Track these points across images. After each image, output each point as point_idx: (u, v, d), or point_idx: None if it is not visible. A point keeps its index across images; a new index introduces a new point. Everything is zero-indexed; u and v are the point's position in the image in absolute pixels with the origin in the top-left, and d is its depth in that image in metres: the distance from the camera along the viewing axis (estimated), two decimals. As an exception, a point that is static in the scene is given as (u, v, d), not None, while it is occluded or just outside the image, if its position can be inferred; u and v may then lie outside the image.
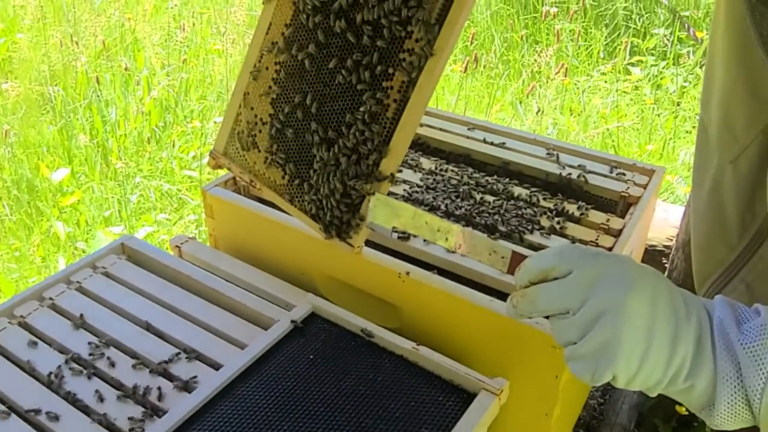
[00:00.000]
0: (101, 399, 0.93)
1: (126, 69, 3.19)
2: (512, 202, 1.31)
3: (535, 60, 3.47)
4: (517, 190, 1.35)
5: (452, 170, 1.41)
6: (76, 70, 3.30)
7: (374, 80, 1.01)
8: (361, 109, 1.03)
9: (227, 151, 1.24)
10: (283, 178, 1.15)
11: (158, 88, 3.20)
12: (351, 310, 1.11)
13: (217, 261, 1.24)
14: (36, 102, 3.36)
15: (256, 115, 1.18)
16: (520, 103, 3.17)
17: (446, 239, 0.79)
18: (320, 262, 1.21)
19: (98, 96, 3.13)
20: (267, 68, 1.15)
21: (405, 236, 1.19)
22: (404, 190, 1.34)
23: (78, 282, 1.17)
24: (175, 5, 3.71)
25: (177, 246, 1.28)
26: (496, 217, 1.24)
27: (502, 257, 0.76)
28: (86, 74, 3.26)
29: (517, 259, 0.75)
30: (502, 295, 1.10)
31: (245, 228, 1.29)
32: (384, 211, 0.92)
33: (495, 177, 1.40)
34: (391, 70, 0.99)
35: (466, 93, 3.23)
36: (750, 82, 0.92)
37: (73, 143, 2.98)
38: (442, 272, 1.15)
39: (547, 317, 0.73)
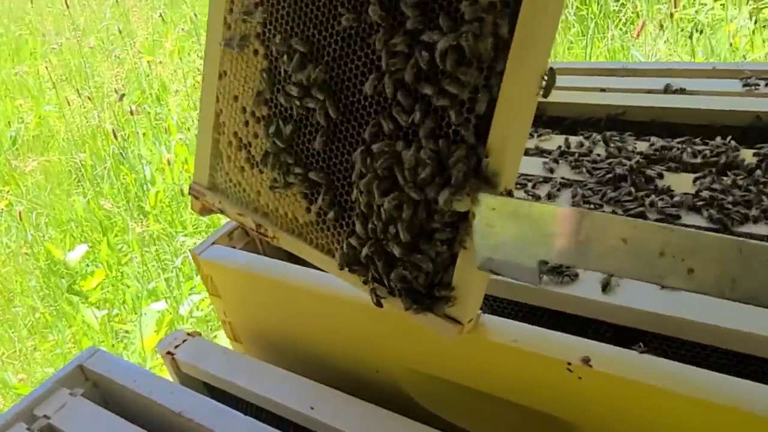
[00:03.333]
0: None
1: (150, 115, 2.80)
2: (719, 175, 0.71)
3: None
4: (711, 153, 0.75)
5: (595, 143, 0.83)
6: (102, 131, 2.95)
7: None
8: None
9: (215, 182, 0.72)
10: (308, 210, 0.62)
11: (188, 132, 2.79)
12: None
13: (231, 373, 0.72)
14: (67, 174, 3.02)
15: (244, 109, 0.66)
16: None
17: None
18: (405, 350, 0.66)
19: (122, 153, 2.74)
20: (246, 22, 0.63)
21: (565, 273, 0.62)
22: (525, 192, 0.77)
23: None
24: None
25: (169, 353, 0.77)
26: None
27: None
28: (111, 132, 2.90)
29: None
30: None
31: (271, 307, 0.77)
32: (510, 228, 0.39)
33: (668, 140, 0.81)
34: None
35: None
36: None
37: (103, 213, 2.60)
38: (653, 340, 0.57)
39: None
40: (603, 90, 0.95)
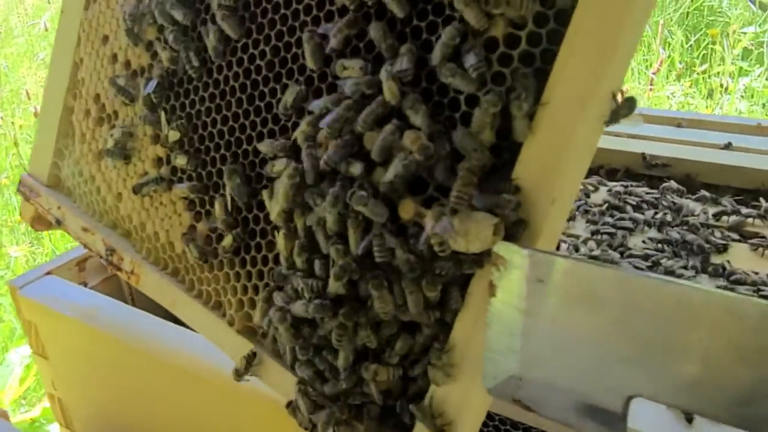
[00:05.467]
0: None
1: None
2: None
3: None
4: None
5: (634, 196, 0.61)
6: (6, 138, 2.57)
7: None
8: None
9: (58, 176, 0.45)
10: (192, 230, 0.36)
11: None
12: None
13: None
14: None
15: (115, 57, 0.40)
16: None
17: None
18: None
19: (25, 168, 2.38)
20: None
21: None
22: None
23: None
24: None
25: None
26: None
27: None
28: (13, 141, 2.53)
29: None
30: None
31: (124, 384, 0.48)
32: (581, 324, 0.19)
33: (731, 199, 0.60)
34: None
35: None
36: None
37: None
38: None
39: None
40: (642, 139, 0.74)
